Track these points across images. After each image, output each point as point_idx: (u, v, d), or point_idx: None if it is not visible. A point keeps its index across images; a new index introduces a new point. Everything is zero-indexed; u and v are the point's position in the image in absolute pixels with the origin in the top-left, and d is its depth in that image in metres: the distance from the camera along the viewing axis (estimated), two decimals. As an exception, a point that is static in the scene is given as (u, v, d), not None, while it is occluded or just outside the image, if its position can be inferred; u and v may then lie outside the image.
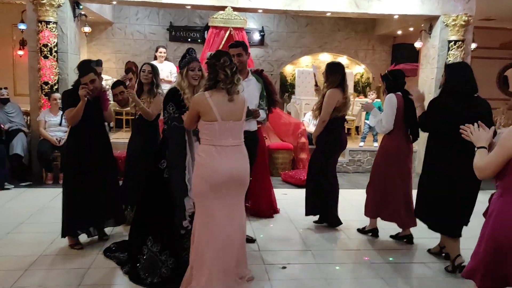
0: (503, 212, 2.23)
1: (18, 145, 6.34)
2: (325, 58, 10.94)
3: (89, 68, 3.84)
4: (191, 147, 3.28)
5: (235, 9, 7.01)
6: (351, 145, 7.73)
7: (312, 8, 7.13)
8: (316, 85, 4.88)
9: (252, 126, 4.00)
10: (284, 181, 6.92)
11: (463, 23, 7.19)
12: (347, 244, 4.32)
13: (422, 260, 3.95)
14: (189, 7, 7.42)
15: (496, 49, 10.17)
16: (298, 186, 6.34)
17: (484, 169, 2.25)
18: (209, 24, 7.30)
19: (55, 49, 6.52)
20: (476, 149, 2.35)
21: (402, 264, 3.86)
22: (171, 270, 3.31)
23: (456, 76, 3.55)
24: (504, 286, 2.31)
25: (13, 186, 5.95)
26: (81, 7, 6.97)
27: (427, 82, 7.76)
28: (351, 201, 5.53)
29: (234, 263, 2.93)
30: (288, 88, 10.80)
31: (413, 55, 9.90)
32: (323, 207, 4.68)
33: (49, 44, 6.49)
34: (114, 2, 7.19)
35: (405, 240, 4.36)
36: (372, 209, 4.40)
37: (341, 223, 4.68)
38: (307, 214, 4.70)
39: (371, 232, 4.53)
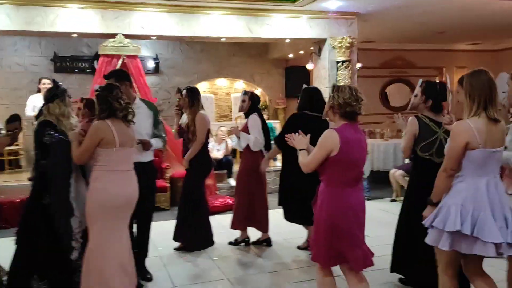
0: (334, 200, 2.72)
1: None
2: (222, 83, 11.02)
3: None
4: (75, 166, 3.25)
5: (126, 36, 6.71)
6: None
7: (206, 34, 7.11)
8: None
9: (146, 157, 3.78)
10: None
11: (348, 44, 7.72)
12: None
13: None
14: (75, 35, 6.94)
15: (378, 68, 11.12)
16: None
17: (308, 165, 2.76)
18: (99, 53, 6.89)
19: None
20: (298, 151, 2.88)
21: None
22: None
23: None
24: (342, 262, 2.76)
25: None
26: None
27: (322, 101, 8.13)
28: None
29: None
30: (187, 114, 10.61)
31: (305, 76, 10.41)
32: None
33: None
34: (-12, 32, 6.45)
35: (264, 244, 4.90)
36: (242, 221, 4.81)
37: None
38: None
39: (243, 242, 4.91)
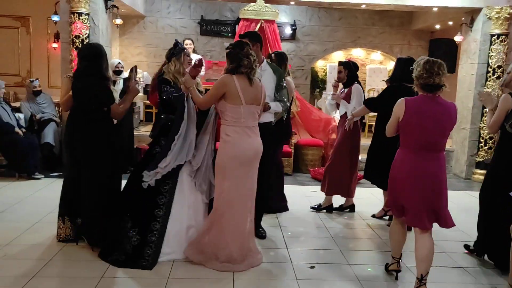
0: (396, 157, 3.10)
1: (49, 134, 6.40)
2: (358, 53, 10.65)
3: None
4: (192, 118, 3.48)
5: (266, 1, 6.85)
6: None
7: (346, 0, 6.89)
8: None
9: (265, 118, 3.83)
10: (313, 177, 6.73)
11: (508, 16, 6.79)
12: (378, 244, 4.12)
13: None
14: (220, -1, 7.31)
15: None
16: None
17: (388, 129, 3.13)
18: (240, 16, 7.17)
19: (87, 40, 6.54)
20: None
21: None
22: (133, 249, 3.36)
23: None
24: (402, 215, 3.08)
25: (43, 176, 6.00)
26: (113, -1, 6.97)
27: (467, 79, 7.39)
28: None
29: (249, 231, 3.45)
30: (319, 83, 10.56)
31: (452, 50, 9.49)
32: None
33: (81, 36, 6.51)
34: (146, -7, 7.15)
35: (347, 210, 5.03)
36: (334, 187, 4.87)
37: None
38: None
39: (326, 209, 5.00)
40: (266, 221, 4.43)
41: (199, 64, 3.55)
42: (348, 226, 4.65)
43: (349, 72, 4.78)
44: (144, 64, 9.85)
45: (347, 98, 4.73)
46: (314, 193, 5.70)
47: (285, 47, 9.51)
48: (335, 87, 4.89)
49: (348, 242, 4.17)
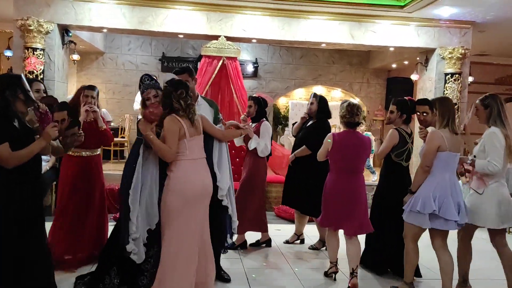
0: (327, 178, 3.90)
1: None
2: (320, 90, 10.82)
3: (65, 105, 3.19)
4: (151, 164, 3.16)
5: (228, 38, 6.87)
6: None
7: (307, 38, 7.02)
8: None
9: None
10: (277, 216, 6.58)
11: (460, 55, 7.10)
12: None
13: None
14: (181, 36, 7.28)
15: (492, 84, 10.10)
16: (292, 221, 5.99)
17: (318, 156, 3.93)
18: (201, 53, 7.14)
19: (41, 76, 6.29)
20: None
21: None
22: None
23: None
24: (336, 227, 3.90)
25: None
26: (70, 34, 6.79)
27: (424, 115, 7.58)
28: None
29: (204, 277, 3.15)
30: (281, 120, 10.61)
31: (408, 88, 9.83)
32: None
33: (35, 71, 6.26)
34: (105, 30, 7.03)
35: (264, 245, 4.96)
36: (244, 224, 4.51)
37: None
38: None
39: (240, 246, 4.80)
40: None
41: (148, 118, 3.09)
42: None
43: (259, 108, 4.72)
44: (103, 100, 9.59)
45: (257, 134, 4.65)
46: (278, 232, 5.53)
47: (247, 84, 9.55)
48: (244, 121, 4.68)
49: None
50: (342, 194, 3.73)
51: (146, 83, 3.20)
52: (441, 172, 3.41)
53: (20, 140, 2.57)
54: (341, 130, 3.91)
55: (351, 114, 3.72)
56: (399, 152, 3.98)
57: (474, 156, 3.53)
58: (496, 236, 3.53)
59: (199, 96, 3.87)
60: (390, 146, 3.97)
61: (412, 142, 4.06)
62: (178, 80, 3.13)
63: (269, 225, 5.20)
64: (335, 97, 10.85)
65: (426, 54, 7.50)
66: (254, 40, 7.44)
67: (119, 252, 3.16)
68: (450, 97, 7.08)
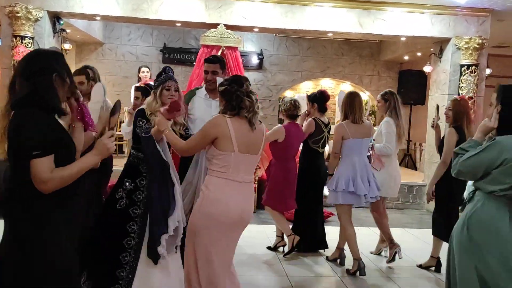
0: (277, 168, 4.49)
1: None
2: (328, 83, 10.38)
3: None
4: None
5: (228, 26, 6.46)
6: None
7: (312, 27, 6.58)
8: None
9: None
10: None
11: (477, 46, 6.60)
12: None
13: None
14: (179, 24, 6.89)
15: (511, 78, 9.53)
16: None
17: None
18: (200, 43, 6.75)
19: (30, 66, 5.97)
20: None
21: None
22: None
23: None
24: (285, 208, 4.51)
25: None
26: (61, 22, 6.45)
27: (438, 110, 7.10)
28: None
29: None
30: (288, 114, 10.19)
31: (421, 82, 9.32)
32: None
33: (23, 61, 5.94)
34: (98, 18, 6.67)
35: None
36: None
37: None
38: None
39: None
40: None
41: (175, 107, 2.74)
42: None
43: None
44: (102, 93, 9.27)
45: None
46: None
47: (251, 76, 9.15)
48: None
49: None
50: (292, 177, 4.39)
51: (170, 74, 3.00)
52: (349, 156, 4.01)
53: (65, 148, 1.88)
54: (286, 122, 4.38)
55: (294, 107, 4.30)
56: (315, 140, 4.45)
57: (374, 140, 4.28)
58: (380, 206, 4.31)
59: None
60: (308, 134, 4.45)
61: (328, 132, 4.52)
62: (236, 76, 2.78)
63: (269, 226, 4.92)
64: (344, 90, 10.29)
65: (441, 44, 7.00)
66: (256, 29, 7.02)
67: (94, 254, 2.86)
68: (466, 91, 6.63)
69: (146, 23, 7.52)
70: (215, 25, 6.48)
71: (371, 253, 4.61)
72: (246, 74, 9.09)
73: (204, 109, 3.57)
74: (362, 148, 4.08)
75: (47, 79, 1.85)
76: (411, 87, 9.31)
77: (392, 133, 4.16)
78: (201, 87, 3.80)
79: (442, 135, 4.25)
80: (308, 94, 4.68)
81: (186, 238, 2.66)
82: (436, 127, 4.37)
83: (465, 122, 3.98)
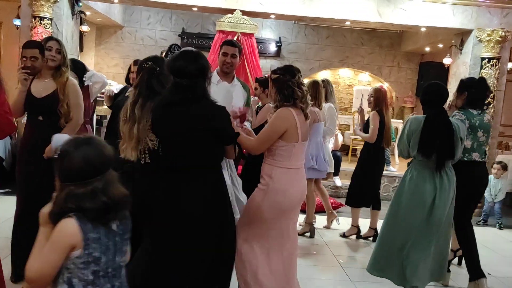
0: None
1: (0, 147, 5.86)
2: (346, 73, 10.25)
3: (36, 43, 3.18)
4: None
5: (244, 12, 6.44)
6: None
7: (330, 15, 6.49)
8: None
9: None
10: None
11: (499, 38, 6.41)
12: None
13: None
14: (195, 9, 6.90)
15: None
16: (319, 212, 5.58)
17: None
18: (216, 28, 6.76)
19: (48, 47, 6.07)
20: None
21: None
22: None
23: None
24: None
25: (-12, 192, 5.44)
26: (80, 4, 6.52)
27: (456, 103, 6.95)
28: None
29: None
30: (304, 103, 10.13)
31: (442, 74, 9.09)
32: None
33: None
34: (116, 1, 6.72)
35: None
36: None
37: None
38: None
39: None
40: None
41: (245, 117, 2.80)
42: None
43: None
44: (121, 76, 9.35)
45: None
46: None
47: (269, 64, 9.10)
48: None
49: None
50: None
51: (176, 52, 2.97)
52: (312, 138, 4.40)
53: None
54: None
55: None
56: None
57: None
58: (319, 181, 4.95)
59: (235, 77, 3.63)
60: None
61: None
62: (288, 66, 2.80)
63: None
64: (363, 81, 10.24)
65: (462, 36, 6.83)
66: (272, 16, 6.96)
67: None
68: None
69: (163, 7, 7.54)
70: (231, 11, 6.46)
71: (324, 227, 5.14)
72: (264, 61, 9.08)
73: (223, 96, 3.58)
74: (319, 132, 4.67)
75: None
76: (431, 79, 9.00)
77: (335, 117, 5.10)
78: (212, 73, 3.81)
79: (366, 118, 4.83)
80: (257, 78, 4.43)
81: (241, 240, 2.66)
82: (360, 111, 4.94)
83: (384, 107, 4.61)
